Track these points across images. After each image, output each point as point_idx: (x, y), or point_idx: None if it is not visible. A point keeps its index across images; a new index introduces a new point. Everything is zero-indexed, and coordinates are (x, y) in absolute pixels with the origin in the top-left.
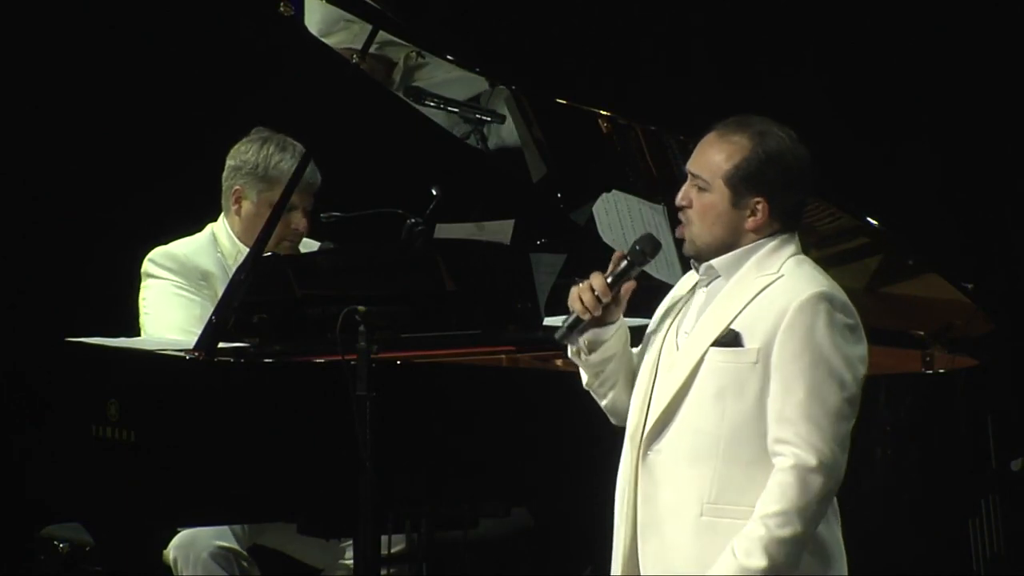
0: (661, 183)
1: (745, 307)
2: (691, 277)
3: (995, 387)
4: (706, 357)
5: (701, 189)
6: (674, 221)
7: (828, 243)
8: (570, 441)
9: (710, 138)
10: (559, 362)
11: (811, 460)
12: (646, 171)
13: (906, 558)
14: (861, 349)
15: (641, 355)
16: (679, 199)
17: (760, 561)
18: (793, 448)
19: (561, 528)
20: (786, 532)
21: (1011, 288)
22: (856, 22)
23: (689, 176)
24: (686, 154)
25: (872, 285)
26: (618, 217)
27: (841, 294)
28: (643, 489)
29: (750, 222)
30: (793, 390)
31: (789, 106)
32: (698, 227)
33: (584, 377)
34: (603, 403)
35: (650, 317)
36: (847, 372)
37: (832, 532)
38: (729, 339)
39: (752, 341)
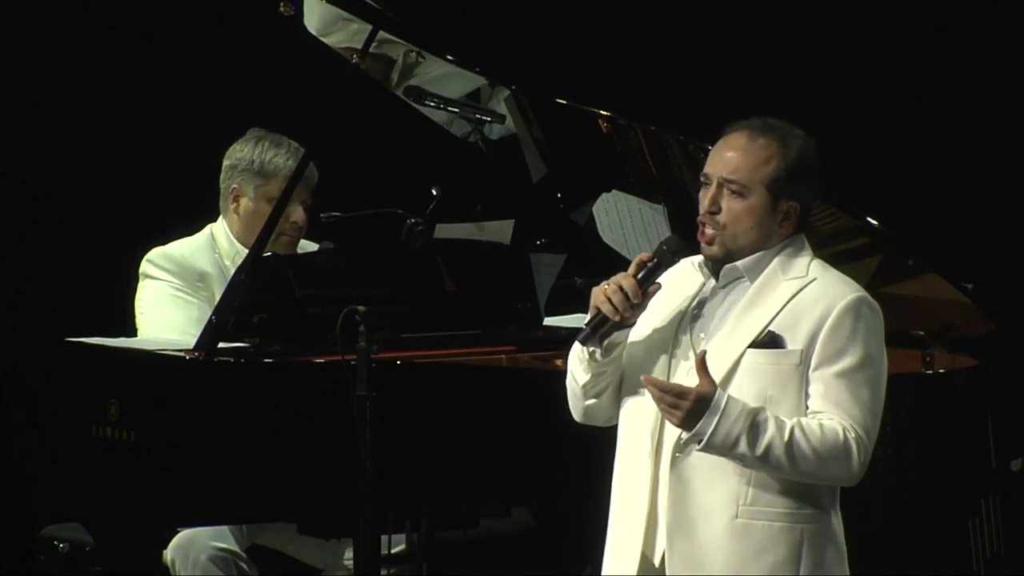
0: (661, 183)
1: (782, 309)
2: (682, 279)
3: (995, 387)
4: (743, 359)
5: (735, 193)
6: (681, 223)
7: (828, 243)
8: (570, 441)
9: (739, 142)
10: (559, 362)
11: (862, 448)
12: (646, 171)
13: (906, 558)
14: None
15: (639, 357)
16: (708, 205)
17: (758, 447)
18: (849, 430)
19: (561, 528)
20: (795, 462)
21: (1011, 288)
22: (856, 23)
23: (716, 182)
24: (686, 154)
25: (872, 285)
26: (618, 217)
27: (874, 300)
28: (672, 491)
29: (784, 226)
30: (836, 389)
31: (789, 106)
32: (732, 232)
33: (582, 378)
34: (587, 402)
35: None
36: (884, 373)
37: (842, 528)
38: (767, 341)
39: (794, 343)
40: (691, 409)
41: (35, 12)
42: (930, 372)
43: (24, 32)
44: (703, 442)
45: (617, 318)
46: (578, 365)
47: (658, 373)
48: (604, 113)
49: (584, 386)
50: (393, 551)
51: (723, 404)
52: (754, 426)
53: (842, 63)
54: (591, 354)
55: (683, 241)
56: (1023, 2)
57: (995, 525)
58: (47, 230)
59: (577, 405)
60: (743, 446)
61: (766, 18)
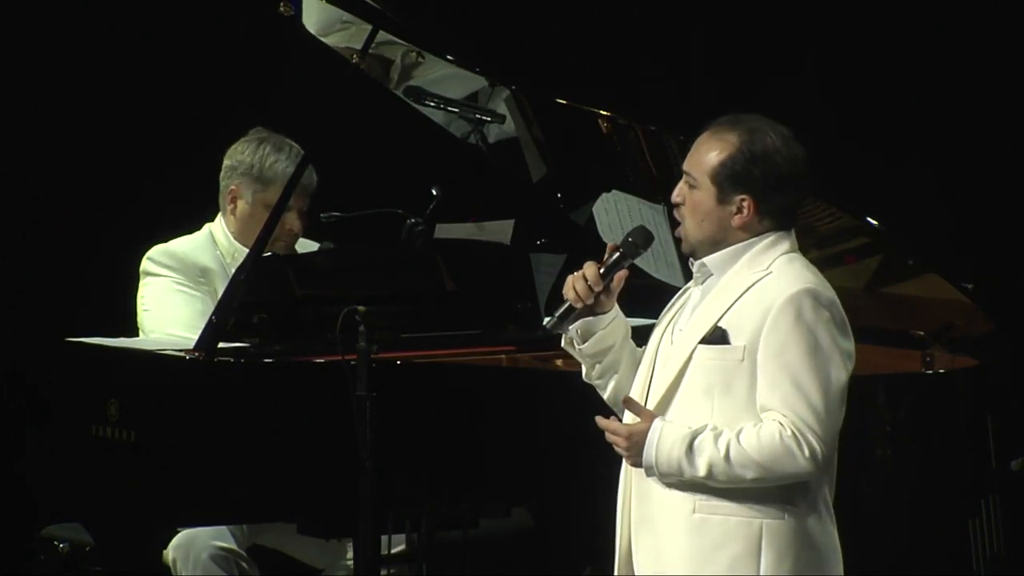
0: (661, 183)
1: (732, 305)
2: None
3: (995, 387)
4: (694, 354)
5: (691, 186)
6: (674, 220)
7: (828, 243)
8: (571, 441)
9: (703, 136)
10: (559, 362)
11: (803, 442)
12: (646, 171)
13: (906, 558)
14: (848, 345)
15: (644, 354)
16: (674, 196)
17: (699, 469)
18: (792, 426)
19: (561, 528)
20: (740, 473)
21: (1011, 288)
22: (856, 23)
23: (684, 174)
24: (686, 154)
25: (872, 285)
26: (618, 217)
27: (829, 291)
28: (637, 486)
29: (736, 220)
30: (780, 383)
31: (789, 106)
32: (689, 224)
33: (583, 369)
34: (605, 395)
35: (653, 317)
36: (836, 364)
37: (827, 532)
38: (716, 337)
39: (738, 339)
40: (629, 447)
41: (35, 12)
42: (930, 372)
43: (24, 32)
44: (655, 473)
45: (579, 305)
46: (574, 356)
47: (645, 365)
48: (604, 113)
49: (588, 377)
50: (393, 551)
51: (657, 436)
52: (690, 449)
53: (842, 63)
54: (569, 342)
55: (650, 233)
56: (1023, 2)
57: (995, 525)
58: (47, 230)
59: (604, 399)
60: (686, 470)
61: (765, 18)
